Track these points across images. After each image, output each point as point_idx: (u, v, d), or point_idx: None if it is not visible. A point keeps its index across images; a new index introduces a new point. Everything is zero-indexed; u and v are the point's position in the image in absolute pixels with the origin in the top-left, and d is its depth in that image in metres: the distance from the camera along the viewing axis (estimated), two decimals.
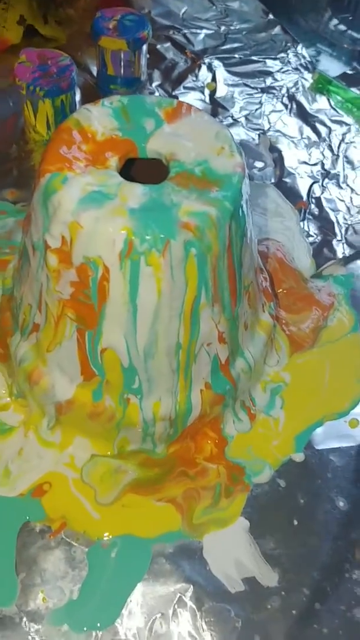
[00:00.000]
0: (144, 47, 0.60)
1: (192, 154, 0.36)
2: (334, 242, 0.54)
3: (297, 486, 0.43)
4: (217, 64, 0.65)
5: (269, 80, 0.65)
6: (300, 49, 0.67)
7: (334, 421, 0.46)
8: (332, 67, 0.66)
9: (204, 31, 0.68)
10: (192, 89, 0.63)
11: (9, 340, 0.42)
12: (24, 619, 0.37)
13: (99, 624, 0.38)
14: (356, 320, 0.50)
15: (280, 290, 0.50)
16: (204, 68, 0.65)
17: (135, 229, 0.33)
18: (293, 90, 0.64)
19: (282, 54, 0.67)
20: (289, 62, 0.66)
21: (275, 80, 0.65)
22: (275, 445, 0.44)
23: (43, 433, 0.43)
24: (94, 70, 0.63)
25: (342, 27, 0.70)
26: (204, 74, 0.65)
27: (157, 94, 0.62)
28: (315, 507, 0.42)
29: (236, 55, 0.66)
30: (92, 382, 0.39)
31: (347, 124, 0.62)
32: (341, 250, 0.54)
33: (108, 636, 0.37)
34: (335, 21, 0.70)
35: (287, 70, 0.65)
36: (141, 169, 0.37)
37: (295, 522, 0.41)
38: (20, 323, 0.41)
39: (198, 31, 0.68)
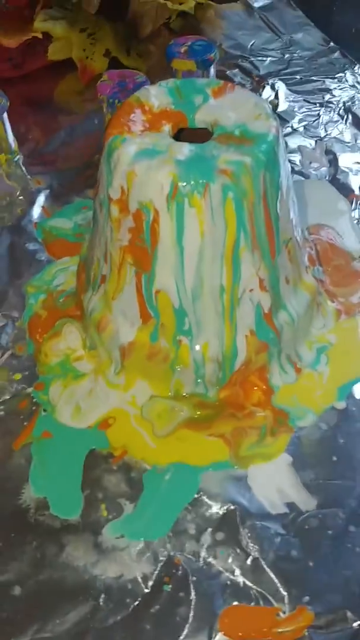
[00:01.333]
0: (212, 69, 0.67)
1: (233, 119, 0.42)
2: None
3: (337, 429, 0.46)
4: (279, 84, 0.72)
5: (327, 96, 0.70)
6: (357, 68, 0.73)
7: None
8: None
9: (269, 58, 0.75)
10: None
11: (83, 297, 0.49)
12: (87, 528, 0.42)
13: (152, 535, 0.42)
14: None
15: (330, 266, 0.54)
16: (267, 88, 0.72)
17: (179, 174, 0.39)
18: (349, 104, 0.69)
19: (340, 74, 0.72)
20: (346, 80, 0.72)
21: (333, 96, 0.70)
22: (318, 395, 0.48)
23: (110, 377, 0.48)
24: None
25: None
26: (267, 93, 0.71)
27: None
28: (354, 447, 0.45)
29: (297, 77, 0.73)
30: (149, 324, 0.45)
31: None
32: None
33: (159, 545, 0.41)
34: None
35: (344, 87, 0.71)
36: (190, 137, 0.43)
37: (335, 459, 0.44)
38: (91, 279, 0.48)
39: (264, 59, 0.75)
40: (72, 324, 0.51)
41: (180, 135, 0.43)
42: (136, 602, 0.39)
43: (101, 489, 0.44)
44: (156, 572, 0.40)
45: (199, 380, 0.46)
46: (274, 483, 0.44)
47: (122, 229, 0.42)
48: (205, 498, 0.43)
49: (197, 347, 0.45)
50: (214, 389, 0.47)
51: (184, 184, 0.39)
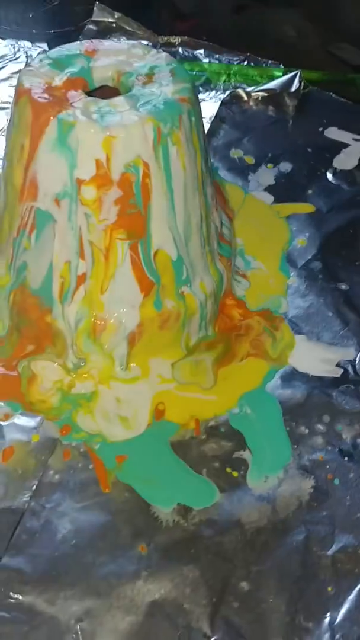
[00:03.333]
0: None
1: (130, 64, 0.41)
2: None
3: (306, 297, 0.51)
4: None
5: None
6: (30, 44, 0.73)
7: (289, 247, 0.55)
8: None
9: None
10: None
11: (49, 319, 0.43)
12: (233, 496, 0.40)
13: (284, 459, 0.42)
14: (240, 187, 0.60)
15: None
16: None
17: (155, 116, 0.38)
18: None
19: (18, 54, 0.72)
20: (29, 56, 0.72)
21: None
22: (272, 283, 0.52)
23: (122, 375, 0.44)
24: None
25: None
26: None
27: None
28: (326, 296, 0.51)
29: None
30: (151, 294, 0.43)
31: None
32: None
33: (298, 460, 0.42)
34: None
35: None
36: (100, 96, 0.41)
37: (330, 314, 0.50)
38: (56, 292, 0.42)
39: None
40: (37, 359, 0.45)
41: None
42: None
43: (213, 460, 0.42)
44: (315, 481, 0.41)
45: (202, 323, 0.46)
46: (315, 357, 0.47)
47: (104, 207, 0.39)
48: (289, 400, 0.45)
49: (197, 289, 0.44)
50: (210, 326, 0.47)
51: (164, 124, 0.38)
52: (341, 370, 0.47)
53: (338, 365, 0.47)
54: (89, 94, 0.41)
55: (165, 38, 0.75)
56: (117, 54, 0.42)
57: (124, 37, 0.75)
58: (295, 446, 0.43)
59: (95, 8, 0.76)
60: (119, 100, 0.39)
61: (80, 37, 0.74)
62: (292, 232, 0.56)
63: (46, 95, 0.38)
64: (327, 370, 0.47)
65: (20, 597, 0.35)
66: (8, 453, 0.41)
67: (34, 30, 0.77)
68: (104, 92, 0.41)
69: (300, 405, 0.45)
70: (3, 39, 0.74)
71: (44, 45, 0.74)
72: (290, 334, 0.49)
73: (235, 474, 0.41)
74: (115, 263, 0.41)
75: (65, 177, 0.38)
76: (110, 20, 0.76)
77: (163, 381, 0.45)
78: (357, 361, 0.47)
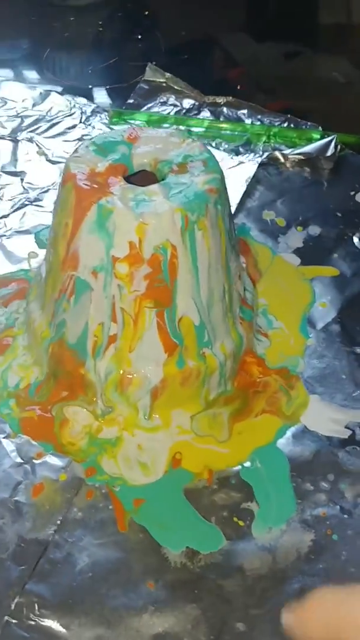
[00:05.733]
0: None
1: (168, 152, 0.48)
2: None
3: (324, 356, 0.56)
4: (32, 135, 0.76)
5: (78, 132, 0.77)
6: (82, 99, 0.81)
7: (309, 310, 0.60)
8: (116, 103, 0.81)
9: None
10: (29, 160, 0.73)
11: (82, 371, 0.50)
12: (238, 544, 0.45)
13: (289, 512, 0.47)
14: (270, 248, 0.65)
15: None
16: (25, 142, 0.75)
17: (184, 206, 0.44)
18: (101, 130, 0.77)
19: (74, 109, 0.80)
20: (83, 112, 0.79)
21: (83, 129, 0.78)
22: (292, 343, 0.57)
23: (144, 424, 0.50)
24: None
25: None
26: (28, 148, 0.75)
27: (3, 176, 0.71)
28: (340, 358, 0.56)
29: (41, 124, 0.78)
30: (174, 354, 0.49)
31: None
32: None
33: (301, 514, 0.47)
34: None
35: (87, 118, 0.79)
36: (138, 181, 0.47)
37: (344, 377, 0.55)
38: (90, 348, 0.49)
39: None
40: (69, 405, 0.51)
41: (128, 182, 0.47)
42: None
43: (222, 509, 0.47)
44: (315, 535, 0.46)
45: (222, 380, 0.52)
46: (326, 418, 0.53)
47: (135, 280, 0.45)
48: (296, 456, 0.50)
49: (218, 351, 0.50)
50: (230, 382, 0.53)
51: (192, 213, 0.44)
52: (349, 432, 0.52)
53: (347, 427, 0.52)
54: (129, 177, 0.48)
55: (212, 98, 0.81)
56: (156, 141, 0.49)
57: (173, 96, 0.82)
58: (300, 501, 0.48)
59: (147, 68, 0.83)
60: (153, 188, 0.45)
61: (132, 94, 0.82)
62: (314, 294, 0.62)
63: (89, 182, 0.45)
64: (336, 431, 0.52)
65: (39, 620, 0.41)
66: (38, 489, 0.47)
67: (89, 86, 0.85)
68: (143, 175, 0.48)
69: (308, 462, 0.50)
70: (61, 94, 0.82)
71: (101, 100, 0.82)
72: (304, 394, 0.54)
73: (241, 523, 0.47)
74: (143, 327, 0.47)
75: (103, 254, 0.45)
76: (160, 80, 0.83)
77: (182, 432, 0.50)
78: None
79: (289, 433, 0.51)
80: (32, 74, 0.88)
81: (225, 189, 0.48)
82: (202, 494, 0.48)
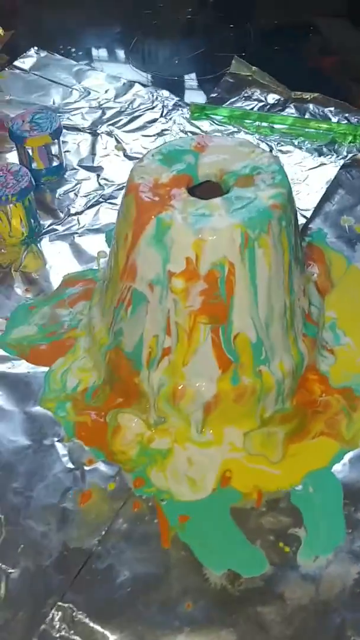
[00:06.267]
0: (61, 136, 0.69)
1: (235, 163, 0.46)
2: None
3: None
4: (111, 128, 0.76)
5: (159, 126, 0.77)
6: (166, 92, 0.80)
7: None
8: (199, 96, 0.80)
9: (81, 110, 0.79)
10: (107, 155, 0.74)
11: (137, 380, 0.50)
12: (285, 569, 0.44)
13: (338, 541, 0.46)
14: (346, 257, 0.63)
15: None
16: (104, 136, 0.75)
17: (244, 223, 0.43)
18: (182, 125, 0.76)
19: (156, 102, 0.79)
20: (164, 106, 0.79)
21: (164, 123, 0.77)
22: (359, 361, 0.55)
23: (197, 438, 0.50)
24: None
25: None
26: (107, 141, 0.75)
27: (80, 171, 0.72)
28: None
29: (121, 118, 0.78)
30: (229, 370, 0.48)
31: (236, 132, 0.75)
32: (300, 217, 0.67)
33: (350, 544, 0.45)
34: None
35: (168, 112, 0.78)
36: (203, 192, 0.46)
37: None
38: (145, 359, 0.49)
39: (77, 112, 0.79)
40: (123, 412, 0.52)
41: (192, 194, 0.46)
42: None
43: (269, 532, 0.46)
44: None
45: (279, 398, 0.51)
46: None
47: (191, 296, 0.44)
48: (352, 484, 0.48)
49: (275, 368, 0.49)
50: (288, 400, 0.52)
51: (252, 230, 0.43)
52: None
53: None
54: (194, 187, 0.47)
55: (298, 94, 0.79)
56: (224, 151, 0.47)
57: (259, 90, 0.80)
58: (350, 531, 0.46)
59: (233, 61, 0.81)
60: (215, 202, 0.44)
61: (216, 87, 0.81)
62: None
63: (150, 194, 0.45)
64: None
65: (74, 632, 0.42)
66: (86, 497, 0.48)
67: (174, 77, 0.85)
68: (208, 186, 0.47)
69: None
70: (144, 86, 0.82)
71: (184, 92, 0.81)
72: None
73: (287, 549, 0.46)
74: (197, 342, 0.47)
75: (159, 268, 0.44)
76: (246, 73, 0.81)
77: (233, 449, 0.50)
78: None
79: (346, 458, 0.50)
80: (117, 64, 0.88)
81: (293, 202, 0.46)
82: (250, 516, 0.47)
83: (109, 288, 0.50)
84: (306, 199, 0.68)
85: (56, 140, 0.69)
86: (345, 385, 0.54)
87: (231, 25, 0.94)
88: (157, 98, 0.80)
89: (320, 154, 0.73)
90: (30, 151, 0.69)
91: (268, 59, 0.84)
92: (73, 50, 0.89)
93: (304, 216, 0.66)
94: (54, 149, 0.70)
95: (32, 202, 0.64)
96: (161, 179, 0.46)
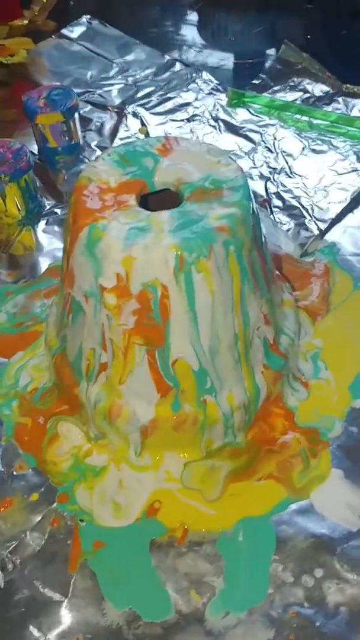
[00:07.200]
0: (76, 114, 0.67)
1: (196, 173, 0.43)
2: (306, 222, 0.62)
3: None
4: (139, 110, 0.73)
5: (190, 110, 0.73)
6: (206, 75, 0.76)
7: None
8: (239, 82, 0.75)
9: (115, 87, 0.76)
10: (128, 137, 0.71)
11: (77, 391, 0.47)
12: (189, 621, 0.41)
13: (255, 600, 0.42)
14: (353, 278, 0.58)
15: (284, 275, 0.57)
16: (130, 117, 0.72)
17: (181, 245, 0.39)
18: (214, 112, 0.72)
19: (192, 84, 0.75)
20: (200, 89, 0.75)
21: (196, 107, 0.73)
22: (335, 401, 0.50)
23: (133, 461, 0.47)
24: (34, 148, 0.69)
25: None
26: (132, 123, 0.72)
27: (97, 152, 0.69)
28: None
29: (153, 98, 0.74)
30: (168, 396, 0.45)
31: (272, 125, 0.70)
32: (314, 227, 0.61)
33: (267, 607, 0.42)
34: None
35: (202, 97, 0.74)
36: (156, 202, 0.43)
37: None
38: (84, 370, 0.46)
39: (109, 88, 0.76)
40: (65, 421, 0.50)
41: (145, 202, 0.43)
42: None
43: (182, 576, 0.43)
44: (274, 636, 0.41)
45: (228, 431, 0.47)
46: (341, 501, 0.46)
47: (123, 314, 0.41)
48: (286, 541, 0.44)
49: (223, 400, 0.45)
50: (241, 433, 0.48)
51: (189, 253, 0.39)
52: None
53: None
54: (151, 194, 0.43)
55: (351, 87, 0.72)
56: (188, 158, 0.44)
57: (307, 80, 0.74)
58: (272, 592, 0.43)
59: (282, 46, 0.76)
60: (161, 216, 0.41)
61: (261, 73, 0.75)
62: None
63: (94, 199, 0.42)
64: (347, 520, 0.45)
65: None
66: (7, 504, 0.47)
67: (220, 58, 0.80)
68: (165, 195, 0.43)
69: (298, 549, 0.44)
70: (186, 65, 0.78)
71: (226, 75, 0.77)
72: (327, 466, 0.48)
73: (198, 598, 0.43)
74: (133, 362, 0.44)
75: (92, 280, 0.41)
76: (296, 60, 0.75)
77: (169, 479, 0.47)
78: None
79: (290, 508, 0.46)
80: (166, 39, 0.84)
81: (249, 223, 0.41)
82: (168, 554, 0.44)
83: (60, 290, 0.48)
84: (326, 207, 0.63)
85: (70, 119, 0.67)
86: (312, 425, 0.49)
87: (309, 5, 0.87)
88: (194, 80, 0.76)
89: (359, 159, 0.67)
90: (42, 129, 0.67)
91: (331, 46, 0.78)
92: (126, 19, 0.86)
93: (319, 228, 0.61)
94: (70, 127, 0.68)
95: (31, 183, 0.63)
96: (110, 183, 0.43)
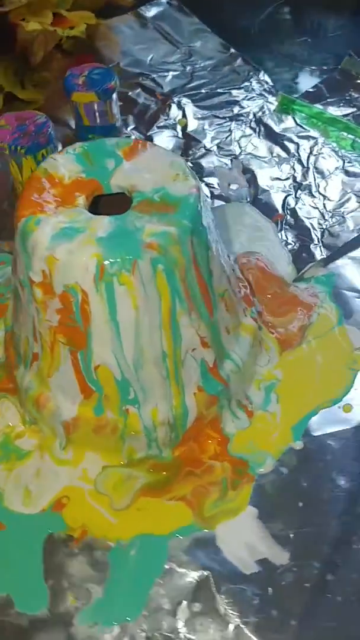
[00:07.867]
0: (114, 96, 0.67)
1: (151, 183, 0.42)
2: (312, 246, 0.59)
3: (299, 471, 0.47)
4: (185, 101, 0.72)
5: (236, 109, 0.71)
6: (262, 75, 0.73)
7: (328, 408, 0.50)
8: (297, 87, 0.73)
9: (171, 73, 0.75)
10: (165, 127, 0.70)
11: (16, 373, 0.48)
12: (57, 621, 0.42)
13: (127, 618, 0.42)
14: (340, 315, 0.55)
15: (265, 296, 0.55)
16: (173, 107, 0.72)
17: (104, 254, 0.39)
18: (259, 114, 0.70)
19: (246, 83, 0.73)
20: (252, 89, 0.73)
21: (242, 107, 0.71)
22: (274, 438, 0.49)
23: (57, 453, 0.48)
24: (72, 124, 0.70)
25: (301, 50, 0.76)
26: (174, 112, 0.71)
27: (132, 136, 0.69)
28: (319, 489, 0.46)
29: (203, 90, 0.73)
30: (91, 398, 0.45)
31: (313, 138, 0.68)
32: (319, 253, 0.59)
33: (136, 627, 0.42)
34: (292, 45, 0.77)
35: (252, 97, 0.72)
36: (109, 204, 0.43)
37: (301, 504, 0.46)
38: (22, 356, 0.47)
39: (165, 74, 0.75)
40: (7, 398, 0.51)
41: (97, 202, 0.43)
42: None
43: (65, 576, 0.44)
44: None
45: (152, 444, 0.47)
46: (243, 540, 0.45)
47: (49, 310, 0.42)
48: (175, 568, 0.44)
49: (146, 414, 0.45)
50: (167, 449, 0.47)
51: (110, 263, 0.39)
52: (255, 569, 0.44)
53: (258, 562, 0.44)
54: (106, 195, 0.43)
55: None
56: (149, 166, 0.43)
57: None
58: (146, 614, 0.42)
59: (346, 57, 0.72)
60: (100, 221, 0.41)
61: (318, 83, 0.73)
62: (347, 391, 0.51)
63: (43, 192, 0.42)
64: (241, 560, 0.44)
65: None
66: None
67: (283, 61, 0.77)
68: (120, 199, 0.43)
69: (184, 578, 0.43)
70: (247, 62, 0.76)
71: (284, 77, 0.74)
72: (244, 501, 0.46)
73: (73, 602, 0.43)
74: (59, 359, 0.44)
75: (24, 271, 0.42)
76: (357, 74, 0.72)
77: (84, 478, 0.47)
78: (278, 572, 0.43)
79: (190, 536, 0.45)
80: (233, 32, 0.82)
81: (187, 244, 0.40)
82: (60, 551, 0.45)
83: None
84: (338, 233, 0.60)
85: (107, 100, 0.67)
86: (244, 457, 0.48)
87: None
88: (250, 78, 0.74)
89: None
90: (77, 106, 0.67)
91: None
92: (209, 6, 0.84)
93: (322, 254, 0.59)
94: (106, 108, 0.68)
95: None
96: (65, 179, 0.43)
